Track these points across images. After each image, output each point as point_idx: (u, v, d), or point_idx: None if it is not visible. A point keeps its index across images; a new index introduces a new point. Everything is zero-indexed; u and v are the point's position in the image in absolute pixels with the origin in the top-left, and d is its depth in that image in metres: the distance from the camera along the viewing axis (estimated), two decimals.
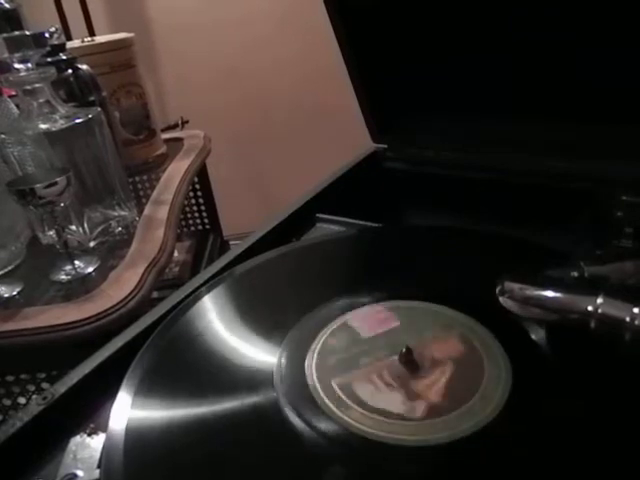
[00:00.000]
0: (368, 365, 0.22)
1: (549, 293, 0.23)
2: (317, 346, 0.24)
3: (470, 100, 0.40)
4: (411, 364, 0.22)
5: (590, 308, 0.21)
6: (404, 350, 0.22)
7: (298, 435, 0.20)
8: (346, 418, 0.20)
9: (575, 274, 0.24)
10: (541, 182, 0.40)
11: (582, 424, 0.20)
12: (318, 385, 0.22)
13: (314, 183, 0.43)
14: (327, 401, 0.21)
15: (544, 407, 0.20)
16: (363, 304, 0.26)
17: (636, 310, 0.20)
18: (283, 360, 0.23)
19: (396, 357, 0.22)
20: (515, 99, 0.39)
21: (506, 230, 0.32)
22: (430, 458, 0.19)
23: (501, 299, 0.23)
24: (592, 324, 0.21)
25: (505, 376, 0.21)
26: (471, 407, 0.20)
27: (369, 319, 0.25)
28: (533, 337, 0.23)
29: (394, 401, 0.20)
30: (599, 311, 0.21)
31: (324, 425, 0.20)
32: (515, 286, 0.23)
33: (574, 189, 0.37)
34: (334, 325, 0.25)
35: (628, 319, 0.20)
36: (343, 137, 0.89)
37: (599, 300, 0.21)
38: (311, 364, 0.23)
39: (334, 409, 0.20)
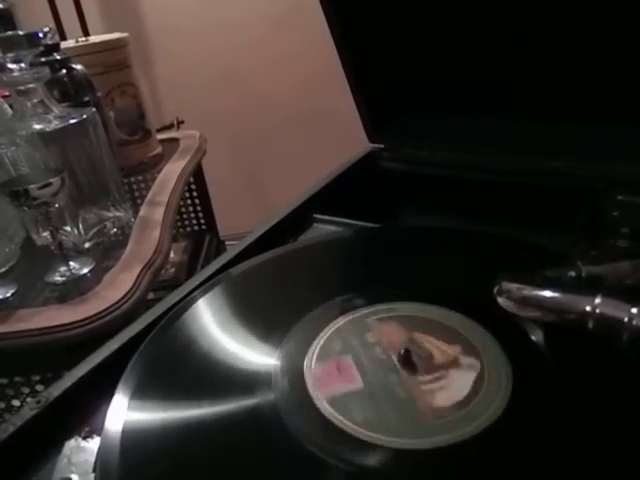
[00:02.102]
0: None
1: (547, 293, 0.23)
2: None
3: (468, 100, 0.40)
4: (410, 365, 0.22)
5: (588, 308, 0.21)
6: (402, 351, 0.22)
7: (295, 438, 0.19)
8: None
9: (572, 274, 0.24)
10: (538, 182, 0.40)
11: (582, 425, 0.19)
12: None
13: (310, 183, 0.42)
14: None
15: (545, 408, 0.20)
16: (359, 306, 0.26)
17: (634, 310, 0.20)
18: (281, 362, 0.23)
19: (395, 358, 0.22)
20: (513, 99, 0.39)
21: (503, 230, 0.32)
22: (430, 462, 0.19)
23: (499, 299, 0.23)
24: (590, 324, 0.21)
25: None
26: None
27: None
28: (532, 337, 0.23)
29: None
30: (597, 311, 0.21)
31: (322, 428, 0.20)
32: (513, 286, 0.23)
33: (571, 189, 0.37)
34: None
35: (626, 319, 0.20)
36: (339, 137, 0.89)
37: (597, 300, 0.21)
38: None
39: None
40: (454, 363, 0.22)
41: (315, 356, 0.23)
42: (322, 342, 0.24)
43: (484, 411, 0.20)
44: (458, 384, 0.21)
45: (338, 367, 0.22)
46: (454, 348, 0.23)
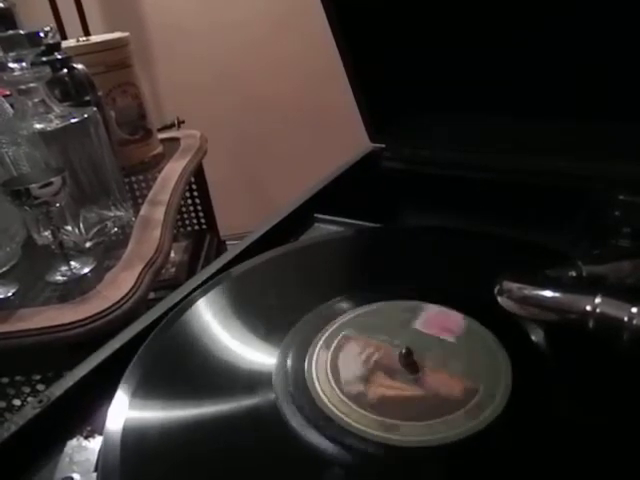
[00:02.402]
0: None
1: (547, 293, 0.23)
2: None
3: (469, 100, 0.40)
4: (411, 365, 0.22)
5: (588, 308, 0.21)
6: (404, 351, 0.22)
7: (297, 437, 0.19)
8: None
9: (573, 274, 0.24)
10: (538, 182, 0.40)
11: (582, 424, 0.20)
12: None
13: (311, 183, 0.42)
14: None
15: (545, 408, 0.20)
16: (360, 305, 0.26)
17: (634, 310, 0.20)
18: (282, 361, 0.23)
19: (396, 358, 0.22)
20: (514, 98, 0.39)
21: (504, 230, 0.32)
22: (429, 460, 0.19)
23: (499, 299, 0.23)
24: (590, 324, 0.21)
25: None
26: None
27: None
28: (532, 337, 0.23)
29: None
30: (597, 311, 0.21)
31: (325, 427, 0.20)
32: (513, 286, 0.23)
33: (572, 188, 0.37)
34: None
35: (626, 319, 0.20)
36: (340, 137, 0.89)
37: (597, 300, 0.21)
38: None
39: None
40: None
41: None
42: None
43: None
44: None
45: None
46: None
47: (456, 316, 0.25)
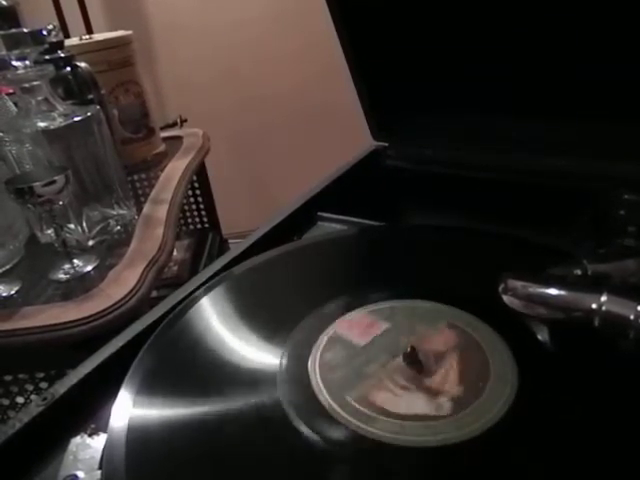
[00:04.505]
0: (373, 365, 0.22)
1: (552, 291, 0.22)
2: (320, 346, 0.24)
3: (471, 99, 0.40)
4: (415, 364, 0.22)
5: (594, 306, 0.21)
6: (408, 350, 0.22)
7: (300, 435, 0.19)
8: (351, 419, 0.20)
9: (578, 272, 0.24)
10: (541, 181, 0.40)
11: (588, 422, 0.19)
12: (321, 384, 0.21)
13: (314, 182, 0.42)
14: (331, 401, 0.21)
15: (551, 406, 0.20)
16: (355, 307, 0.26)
17: None
18: (285, 360, 0.23)
19: (400, 358, 0.22)
20: (516, 98, 0.39)
21: (507, 229, 0.32)
22: (435, 459, 0.19)
23: (504, 297, 0.23)
24: (596, 322, 0.21)
25: (510, 375, 0.21)
26: (477, 407, 0.20)
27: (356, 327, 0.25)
28: (537, 335, 0.23)
29: (398, 402, 0.20)
30: (603, 309, 0.21)
31: (326, 425, 0.20)
32: (518, 284, 0.23)
33: (576, 188, 0.37)
34: (329, 333, 0.25)
35: (632, 317, 0.20)
36: (343, 135, 0.89)
37: (603, 298, 0.21)
38: (314, 364, 0.23)
39: (338, 409, 0.20)
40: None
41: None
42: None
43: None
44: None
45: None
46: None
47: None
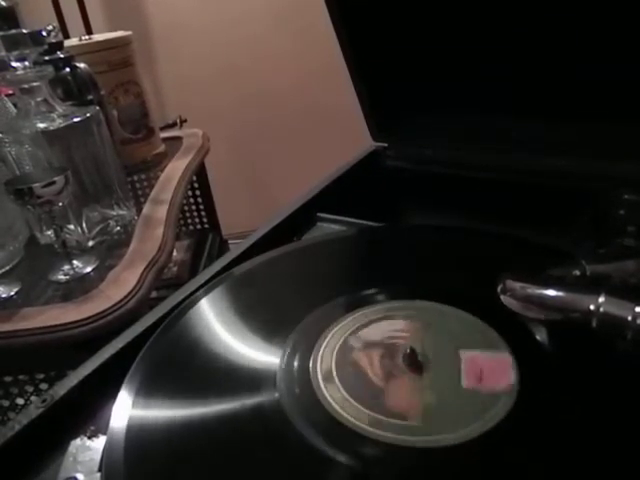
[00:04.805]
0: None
1: (551, 292, 0.22)
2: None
3: (470, 99, 0.40)
4: (415, 365, 0.22)
5: (592, 307, 0.21)
6: (408, 351, 0.22)
7: (300, 436, 0.19)
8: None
9: (577, 273, 0.24)
10: (541, 181, 0.40)
11: (587, 423, 0.19)
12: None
13: (313, 182, 0.42)
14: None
15: (550, 406, 0.20)
16: (363, 304, 0.26)
17: (638, 309, 0.20)
18: (285, 361, 0.23)
19: (400, 358, 0.22)
20: (516, 98, 0.39)
21: (507, 229, 0.32)
22: (436, 460, 0.19)
23: (502, 298, 0.23)
24: (594, 323, 0.21)
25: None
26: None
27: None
28: (536, 336, 0.23)
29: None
30: (601, 310, 0.21)
31: (329, 427, 0.20)
32: (517, 285, 0.23)
33: (576, 188, 0.37)
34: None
35: (630, 318, 0.20)
36: (343, 136, 0.89)
37: (601, 299, 0.21)
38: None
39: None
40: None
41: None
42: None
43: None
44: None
45: None
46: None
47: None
